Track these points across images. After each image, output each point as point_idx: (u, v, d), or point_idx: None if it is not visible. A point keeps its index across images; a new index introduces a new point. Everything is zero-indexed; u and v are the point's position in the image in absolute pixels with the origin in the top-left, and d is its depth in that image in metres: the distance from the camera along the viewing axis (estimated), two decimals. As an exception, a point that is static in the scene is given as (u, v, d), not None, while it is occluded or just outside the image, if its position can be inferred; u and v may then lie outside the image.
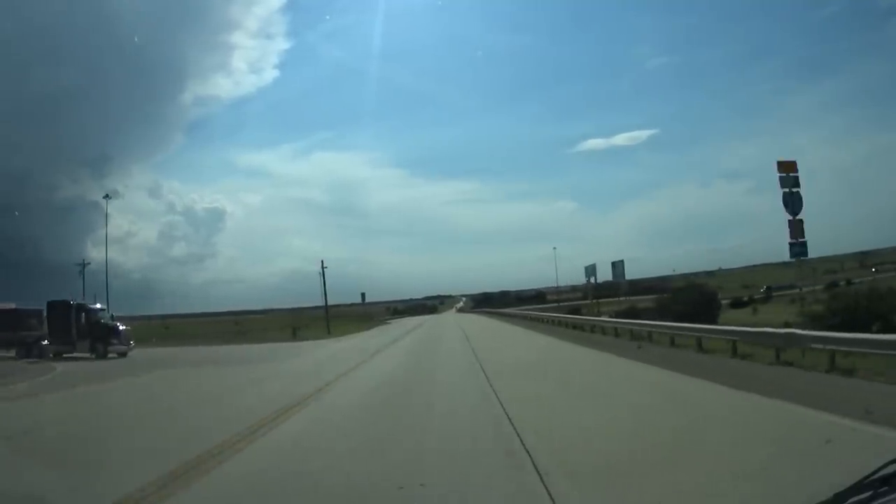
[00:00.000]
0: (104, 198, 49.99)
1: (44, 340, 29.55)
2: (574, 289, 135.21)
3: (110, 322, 30.96)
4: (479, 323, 57.04)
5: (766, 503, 4.28)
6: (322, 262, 66.08)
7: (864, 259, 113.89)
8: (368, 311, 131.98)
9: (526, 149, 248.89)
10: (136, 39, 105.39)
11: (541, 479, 4.98)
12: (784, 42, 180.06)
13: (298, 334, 46.68)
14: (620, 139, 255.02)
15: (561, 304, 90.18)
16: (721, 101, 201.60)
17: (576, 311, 56.81)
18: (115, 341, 29.45)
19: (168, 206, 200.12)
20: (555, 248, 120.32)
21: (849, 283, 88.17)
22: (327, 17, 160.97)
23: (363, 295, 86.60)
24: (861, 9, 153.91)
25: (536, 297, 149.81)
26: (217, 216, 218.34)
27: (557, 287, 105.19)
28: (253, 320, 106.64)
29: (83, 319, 29.89)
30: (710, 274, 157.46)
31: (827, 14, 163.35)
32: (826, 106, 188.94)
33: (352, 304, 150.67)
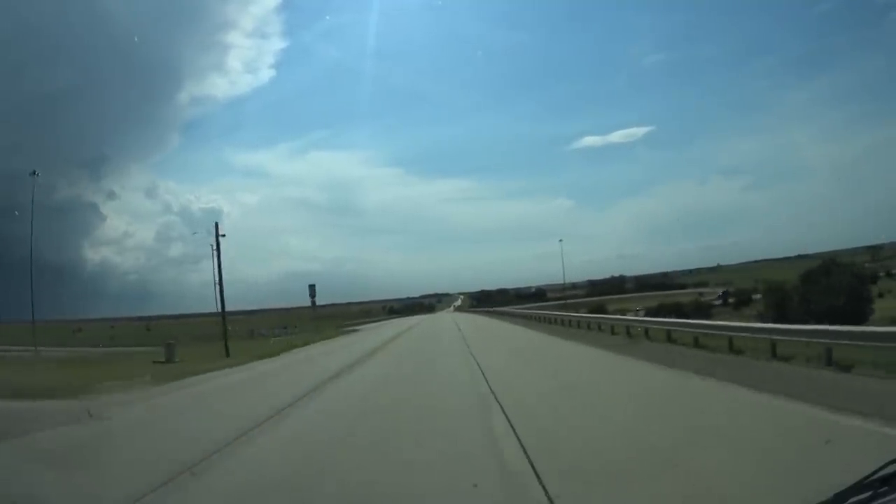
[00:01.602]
0: (30, 174, 44.52)
1: None
2: (574, 286, 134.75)
3: None
4: (490, 329, 38.65)
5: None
6: (216, 226, 36.90)
7: (876, 253, 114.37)
8: (367, 308, 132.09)
9: (522, 147, 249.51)
10: (135, 39, 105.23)
11: None
12: (781, 38, 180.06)
13: (178, 355, 28.38)
14: (617, 136, 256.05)
15: (568, 301, 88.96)
16: (718, 97, 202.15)
17: (600, 308, 49.22)
18: None
19: (164, 207, 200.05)
20: (561, 240, 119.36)
21: (888, 274, 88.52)
22: (325, 17, 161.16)
23: (312, 288, 56.05)
24: (859, 4, 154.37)
25: (536, 294, 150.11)
26: (214, 216, 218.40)
27: (564, 284, 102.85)
28: (239, 321, 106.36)
29: None
30: (713, 270, 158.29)
31: (824, 9, 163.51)
32: (824, 101, 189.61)
33: (348, 303, 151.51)
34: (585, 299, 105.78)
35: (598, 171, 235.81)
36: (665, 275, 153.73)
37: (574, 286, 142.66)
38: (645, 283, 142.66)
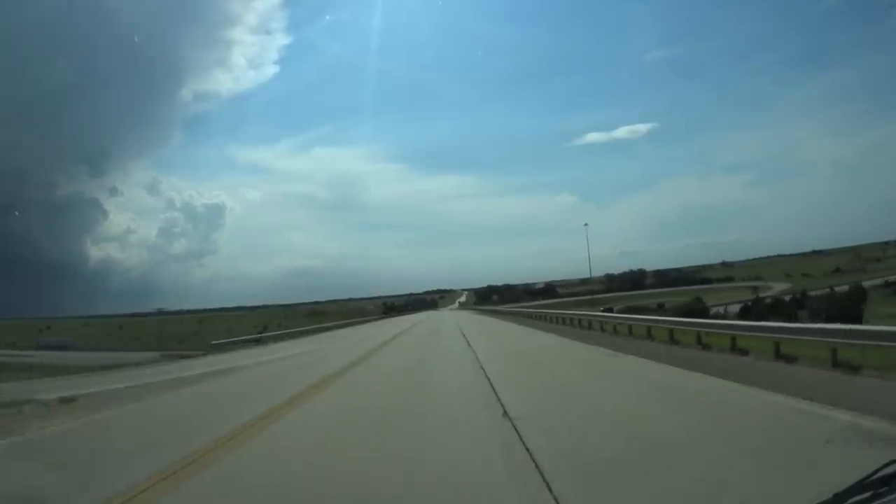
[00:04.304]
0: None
1: None
2: (584, 282, 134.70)
3: None
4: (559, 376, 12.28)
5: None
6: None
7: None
8: (361, 307, 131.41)
9: (526, 143, 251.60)
10: (136, 39, 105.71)
11: None
12: (784, 34, 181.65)
13: None
14: (620, 132, 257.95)
15: (594, 296, 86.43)
16: (721, 93, 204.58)
17: (694, 309, 36.27)
18: None
19: (167, 203, 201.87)
20: (586, 224, 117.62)
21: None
22: (329, 13, 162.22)
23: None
24: (862, 2, 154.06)
25: (545, 290, 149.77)
26: (217, 212, 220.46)
27: (591, 277, 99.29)
28: (222, 318, 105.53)
29: None
30: (725, 265, 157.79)
31: (828, 6, 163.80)
32: (827, 98, 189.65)
33: (349, 300, 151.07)
34: (609, 295, 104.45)
35: (601, 168, 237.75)
36: (678, 270, 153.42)
37: (584, 282, 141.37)
38: (665, 278, 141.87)
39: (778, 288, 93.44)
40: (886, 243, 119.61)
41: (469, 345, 20.52)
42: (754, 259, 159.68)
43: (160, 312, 45.66)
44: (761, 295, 68.03)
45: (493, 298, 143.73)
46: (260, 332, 43.05)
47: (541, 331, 28.08)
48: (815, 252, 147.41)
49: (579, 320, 28.27)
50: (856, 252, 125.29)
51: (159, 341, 38.12)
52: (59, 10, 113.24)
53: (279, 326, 60.98)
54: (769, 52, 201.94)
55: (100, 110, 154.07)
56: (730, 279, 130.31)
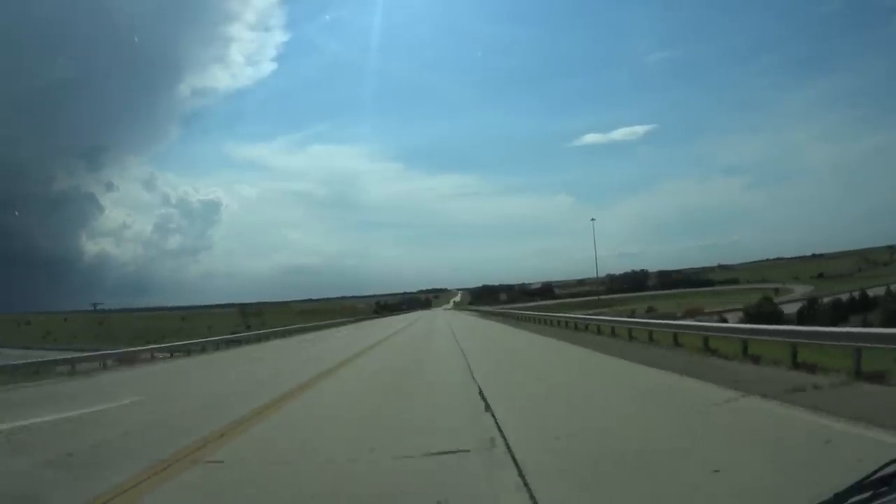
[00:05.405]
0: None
1: None
2: (582, 282, 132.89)
3: None
4: None
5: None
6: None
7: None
8: (351, 306, 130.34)
9: (525, 143, 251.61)
10: (135, 37, 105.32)
11: None
12: (784, 38, 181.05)
13: None
14: (619, 134, 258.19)
15: (599, 297, 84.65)
16: (720, 96, 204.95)
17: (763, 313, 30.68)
18: None
19: (163, 198, 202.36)
20: (593, 219, 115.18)
21: None
22: (328, 11, 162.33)
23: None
24: (862, 6, 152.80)
25: (543, 291, 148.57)
26: (212, 209, 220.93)
27: (597, 277, 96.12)
28: (208, 316, 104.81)
29: None
30: (723, 268, 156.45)
31: (828, 10, 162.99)
32: (826, 102, 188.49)
33: (343, 297, 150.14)
34: (613, 296, 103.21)
35: (600, 169, 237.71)
36: (678, 272, 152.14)
37: (581, 282, 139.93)
38: (667, 280, 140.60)
39: (800, 290, 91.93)
40: (892, 247, 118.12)
41: (465, 355, 15.45)
42: (752, 262, 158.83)
43: (95, 309, 44.64)
44: (801, 297, 65.97)
45: (497, 297, 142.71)
46: (233, 332, 41.60)
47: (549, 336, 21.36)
48: (815, 255, 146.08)
49: (598, 326, 21.66)
50: (860, 255, 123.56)
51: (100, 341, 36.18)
52: (58, 7, 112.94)
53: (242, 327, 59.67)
54: (769, 56, 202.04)
55: (98, 106, 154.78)
56: (735, 281, 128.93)
